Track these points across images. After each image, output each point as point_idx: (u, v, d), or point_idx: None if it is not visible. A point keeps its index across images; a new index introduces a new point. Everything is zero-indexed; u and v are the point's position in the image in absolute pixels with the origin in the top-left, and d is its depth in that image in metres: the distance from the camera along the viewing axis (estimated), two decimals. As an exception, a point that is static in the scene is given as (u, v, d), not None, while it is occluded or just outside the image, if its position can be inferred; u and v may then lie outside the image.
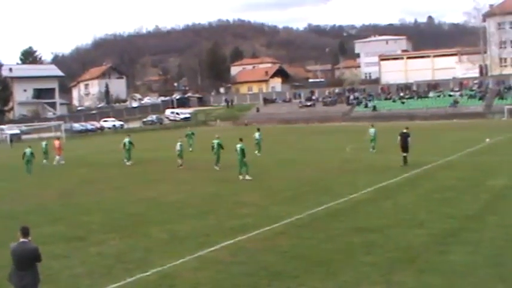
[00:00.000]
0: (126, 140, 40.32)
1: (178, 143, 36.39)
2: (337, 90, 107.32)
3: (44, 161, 42.54)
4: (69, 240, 17.11)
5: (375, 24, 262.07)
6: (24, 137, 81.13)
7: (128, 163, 39.28)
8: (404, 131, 31.21)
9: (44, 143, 44.33)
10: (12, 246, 10.19)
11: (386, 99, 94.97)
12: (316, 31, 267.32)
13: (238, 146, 28.92)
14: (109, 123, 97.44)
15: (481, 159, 32.67)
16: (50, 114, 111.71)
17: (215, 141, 33.44)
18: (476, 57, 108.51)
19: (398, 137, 31.07)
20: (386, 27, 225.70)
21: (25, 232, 10.19)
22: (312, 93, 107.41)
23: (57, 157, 42.47)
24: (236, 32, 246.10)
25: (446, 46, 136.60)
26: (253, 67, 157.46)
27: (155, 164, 39.29)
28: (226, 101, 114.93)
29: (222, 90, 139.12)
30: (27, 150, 37.60)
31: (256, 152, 39.94)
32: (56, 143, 43.89)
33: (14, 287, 10.20)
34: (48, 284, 12.20)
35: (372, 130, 39.27)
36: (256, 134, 41.61)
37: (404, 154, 30.49)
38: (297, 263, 13.56)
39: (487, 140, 42.28)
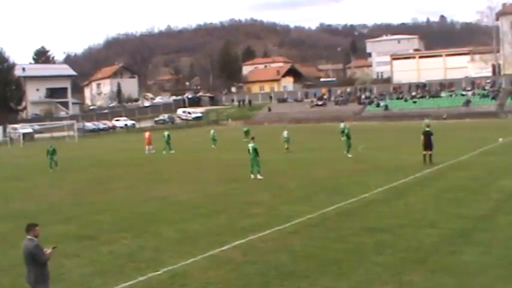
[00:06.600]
0: (212, 131, 52.63)
1: (285, 132, 41.13)
2: (348, 89, 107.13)
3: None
4: (80, 239, 17.19)
5: (387, 23, 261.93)
6: (36, 136, 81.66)
7: (214, 147, 49.00)
8: (427, 129, 31.26)
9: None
10: (23, 242, 10.27)
11: (398, 98, 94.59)
12: (328, 30, 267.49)
13: (251, 145, 28.98)
14: (121, 122, 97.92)
15: (493, 159, 32.43)
16: (62, 114, 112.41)
17: (342, 128, 37.94)
18: (489, 56, 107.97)
19: (422, 136, 31.17)
20: (399, 27, 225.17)
21: (27, 229, 10.17)
22: (324, 92, 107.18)
23: (150, 147, 48.15)
24: (248, 31, 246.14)
25: (459, 45, 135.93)
26: (265, 66, 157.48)
27: (166, 163, 39.37)
28: (238, 101, 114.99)
29: (233, 89, 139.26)
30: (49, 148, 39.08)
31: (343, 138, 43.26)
32: (146, 134, 50.37)
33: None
34: (59, 283, 12.25)
35: (426, 121, 44.08)
36: (342, 124, 48.14)
37: (429, 152, 30.53)
38: (309, 263, 13.54)
39: (500, 139, 41.99)
